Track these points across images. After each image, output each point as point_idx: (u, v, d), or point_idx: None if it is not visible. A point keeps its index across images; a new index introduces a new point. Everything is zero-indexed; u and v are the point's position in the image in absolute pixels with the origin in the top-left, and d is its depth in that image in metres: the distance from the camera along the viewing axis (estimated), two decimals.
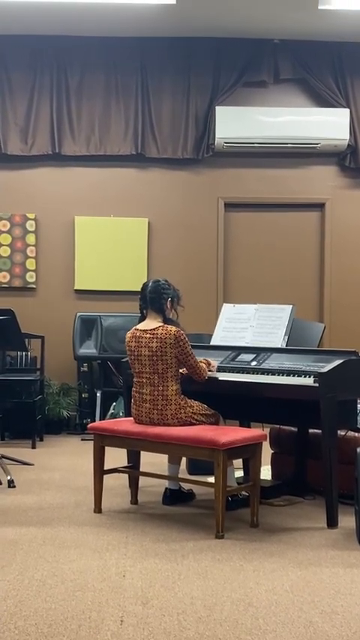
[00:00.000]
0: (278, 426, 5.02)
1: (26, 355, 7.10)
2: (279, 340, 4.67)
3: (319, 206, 7.71)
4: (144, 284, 4.42)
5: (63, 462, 5.84)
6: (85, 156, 7.47)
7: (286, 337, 4.67)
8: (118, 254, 7.49)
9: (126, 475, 4.71)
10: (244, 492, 4.42)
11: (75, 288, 7.53)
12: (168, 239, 7.59)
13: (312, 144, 7.39)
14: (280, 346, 4.63)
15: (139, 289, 4.43)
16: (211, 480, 4.05)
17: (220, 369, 4.51)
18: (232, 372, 4.47)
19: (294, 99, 7.61)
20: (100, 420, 6.73)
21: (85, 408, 7.29)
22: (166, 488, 4.60)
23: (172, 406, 4.20)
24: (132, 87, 7.45)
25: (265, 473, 4.98)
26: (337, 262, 7.68)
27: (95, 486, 4.37)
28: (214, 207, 7.63)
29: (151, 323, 4.28)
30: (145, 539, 3.83)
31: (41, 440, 6.77)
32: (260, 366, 4.43)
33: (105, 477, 4.40)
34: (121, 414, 6.67)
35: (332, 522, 4.08)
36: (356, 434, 4.61)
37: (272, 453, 5.14)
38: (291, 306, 4.82)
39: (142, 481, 4.69)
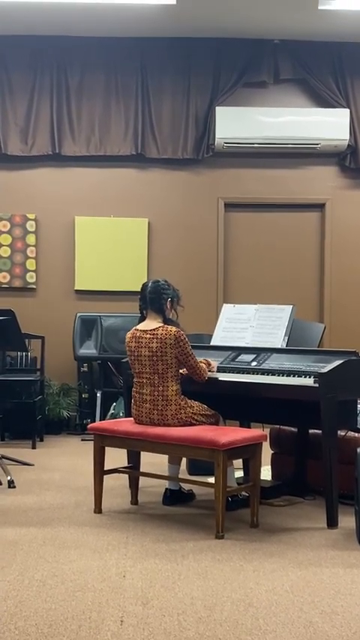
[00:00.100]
0: (278, 426, 5.02)
1: (26, 355, 7.10)
2: (279, 340, 4.67)
3: (319, 206, 7.71)
4: (144, 284, 4.42)
5: (63, 463, 5.84)
6: (85, 156, 7.48)
7: (286, 337, 4.67)
8: (118, 254, 7.49)
9: (126, 475, 4.71)
10: (244, 492, 4.42)
11: (75, 288, 7.53)
12: (168, 239, 7.59)
13: (312, 144, 7.39)
14: (280, 346, 4.63)
15: (139, 289, 4.43)
16: (211, 480, 4.05)
17: (220, 370, 4.50)
18: (232, 373, 4.46)
19: (294, 99, 7.61)
20: (100, 420, 6.72)
21: (85, 408, 7.29)
22: (167, 489, 4.60)
23: (172, 406, 4.20)
24: (132, 87, 7.46)
25: (265, 473, 4.98)
26: (337, 262, 7.68)
27: (95, 487, 4.37)
28: (214, 207, 7.63)
29: (151, 323, 4.29)
30: (145, 540, 3.83)
31: (41, 440, 6.77)
32: (260, 367, 4.43)
33: (105, 477, 4.40)
34: (121, 415, 6.67)
35: (332, 522, 4.08)
36: (356, 434, 4.61)
37: (272, 454, 5.14)
38: (291, 306, 4.82)
39: (142, 481, 4.69)
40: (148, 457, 4.67)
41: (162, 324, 4.25)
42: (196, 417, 4.24)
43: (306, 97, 7.62)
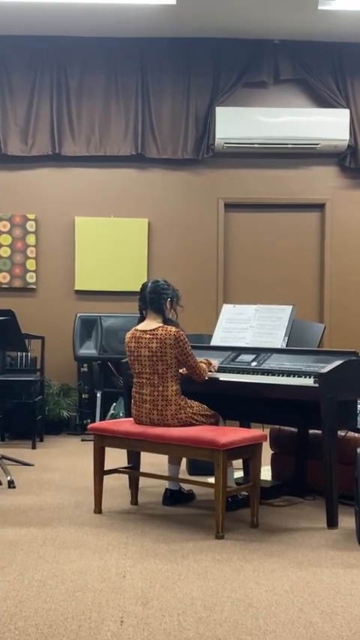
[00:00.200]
0: (278, 426, 5.02)
1: (26, 356, 7.10)
2: (279, 341, 4.67)
3: (319, 206, 7.71)
4: (143, 284, 4.42)
5: (63, 463, 5.84)
6: (85, 156, 7.48)
7: (287, 338, 4.67)
8: (118, 254, 7.49)
9: (126, 476, 4.71)
10: (243, 492, 4.41)
11: (75, 288, 7.53)
12: (168, 239, 7.59)
13: (312, 144, 7.39)
14: (280, 347, 4.63)
15: (139, 290, 4.43)
16: (211, 480, 4.05)
17: (220, 370, 4.50)
18: (233, 373, 4.46)
19: (294, 99, 7.61)
20: (100, 420, 6.72)
21: (85, 408, 7.29)
22: (167, 489, 4.59)
23: (172, 406, 4.20)
24: (132, 87, 7.46)
25: (265, 473, 4.98)
26: (337, 263, 7.68)
27: (95, 487, 4.37)
28: (214, 207, 7.63)
29: (150, 323, 4.28)
30: (145, 540, 3.83)
31: (41, 440, 6.77)
32: (260, 367, 4.43)
33: (105, 477, 4.40)
34: (121, 415, 6.67)
35: (332, 523, 4.08)
36: (356, 434, 4.61)
37: (272, 454, 5.14)
38: (291, 306, 4.82)
39: (142, 482, 4.69)
40: (148, 457, 4.67)
41: (162, 325, 4.25)
42: (195, 417, 4.24)
43: (306, 97, 7.62)
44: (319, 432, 4.15)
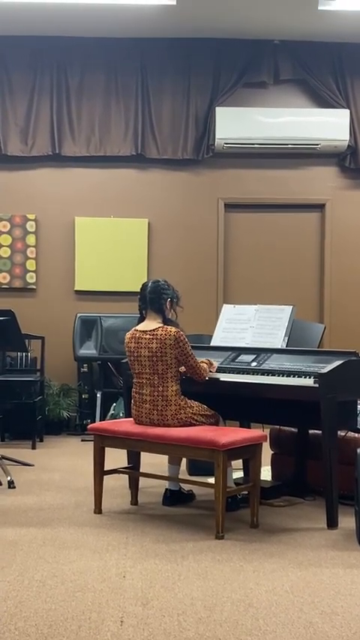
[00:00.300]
0: (278, 426, 5.02)
1: (26, 356, 7.10)
2: (279, 341, 4.67)
3: (319, 207, 7.71)
4: (143, 284, 4.42)
5: (63, 463, 5.84)
6: (85, 156, 7.48)
7: (286, 338, 4.67)
8: (118, 255, 7.49)
9: (126, 476, 4.71)
10: (243, 492, 4.41)
11: (75, 288, 7.53)
12: (168, 240, 7.59)
13: (312, 144, 7.39)
14: (280, 347, 4.63)
15: (139, 290, 4.43)
16: (211, 480, 4.05)
17: (220, 370, 4.50)
18: (233, 373, 4.46)
19: (294, 99, 7.61)
20: (100, 420, 6.72)
21: (85, 408, 7.29)
22: (166, 489, 4.59)
23: (172, 407, 4.20)
24: (132, 87, 7.46)
25: (265, 473, 4.98)
26: (337, 263, 7.68)
27: (95, 487, 4.37)
28: (214, 207, 7.63)
29: (150, 324, 4.28)
30: (145, 540, 3.83)
31: (41, 441, 6.77)
32: (260, 367, 4.43)
33: (105, 477, 4.40)
34: (121, 415, 6.67)
35: (332, 523, 4.08)
36: (356, 434, 4.61)
37: (272, 454, 5.14)
38: (291, 306, 4.82)
39: (142, 482, 4.69)
40: (148, 457, 4.67)
41: (161, 325, 4.24)
42: (195, 418, 4.24)
43: (306, 98, 7.62)
44: (319, 432, 4.14)
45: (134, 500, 4.57)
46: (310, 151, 7.48)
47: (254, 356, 4.57)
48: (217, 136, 7.28)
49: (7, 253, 7.48)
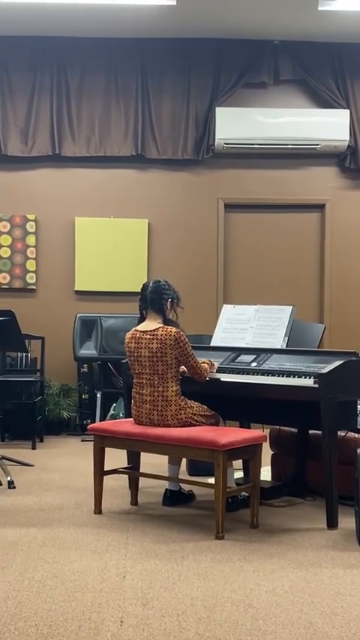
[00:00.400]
0: (278, 426, 5.02)
1: (26, 356, 7.10)
2: (279, 341, 4.67)
3: (319, 207, 7.71)
4: (144, 284, 4.42)
5: (63, 463, 5.84)
6: (85, 157, 7.48)
7: (286, 338, 4.67)
8: (118, 255, 7.49)
9: (126, 476, 4.71)
10: (243, 493, 4.41)
11: (75, 289, 7.53)
12: (168, 240, 7.59)
13: (312, 145, 7.39)
14: (280, 347, 4.63)
15: (140, 290, 4.43)
16: (211, 480, 4.05)
17: (220, 370, 4.50)
18: (233, 373, 4.46)
19: (294, 100, 7.61)
20: (100, 421, 6.72)
21: (85, 409, 7.28)
22: (166, 489, 4.59)
23: (172, 407, 4.20)
24: (132, 88, 7.46)
25: (265, 474, 4.98)
26: (337, 263, 7.68)
27: (95, 487, 4.37)
28: (214, 208, 7.63)
29: (150, 324, 4.28)
30: (145, 540, 3.83)
31: (41, 441, 6.77)
32: (260, 367, 4.43)
33: (105, 477, 4.39)
34: (121, 415, 6.67)
35: (332, 523, 4.08)
36: (356, 435, 4.61)
37: (272, 454, 5.14)
38: (291, 307, 4.82)
39: (142, 482, 4.69)
40: (148, 458, 4.67)
41: (162, 325, 4.24)
42: (196, 418, 4.24)
43: (306, 98, 7.62)
44: (319, 432, 4.14)
45: (134, 501, 4.57)
46: (310, 151, 7.48)
47: (254, 356, 4.57)
48: (217, 136, 7.28)
49: (7, 253, 7.48)
